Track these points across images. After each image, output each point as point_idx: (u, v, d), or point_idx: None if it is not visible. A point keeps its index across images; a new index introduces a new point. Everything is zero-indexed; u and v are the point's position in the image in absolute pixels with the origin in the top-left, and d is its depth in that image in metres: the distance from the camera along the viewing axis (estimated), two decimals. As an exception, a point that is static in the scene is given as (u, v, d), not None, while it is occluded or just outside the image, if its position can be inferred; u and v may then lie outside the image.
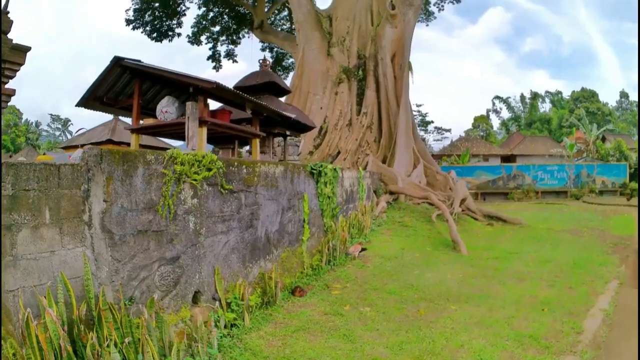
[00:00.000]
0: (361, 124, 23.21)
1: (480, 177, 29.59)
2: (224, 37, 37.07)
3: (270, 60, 16.60)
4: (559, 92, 73.42)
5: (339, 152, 23.11)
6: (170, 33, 33.06)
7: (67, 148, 24.13)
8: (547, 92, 71.38)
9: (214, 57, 37.65)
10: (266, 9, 32.18)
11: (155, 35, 32.35)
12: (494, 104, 71.99)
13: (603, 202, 25.16)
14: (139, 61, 8.24)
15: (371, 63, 23.80)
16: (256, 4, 31.15)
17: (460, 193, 16.96)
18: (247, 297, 6.44)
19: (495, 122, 71.84)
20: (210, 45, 37.11)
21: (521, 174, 29.56)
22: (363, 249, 11.46)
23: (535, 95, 69.60)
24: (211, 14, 35.51)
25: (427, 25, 35.45)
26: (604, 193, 29.92)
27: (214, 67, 38.10)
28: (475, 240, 13.90)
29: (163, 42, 33.25)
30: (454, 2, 33.27)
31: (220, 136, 13.16)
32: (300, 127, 16.61)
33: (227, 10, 35.08)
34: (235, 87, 16.63)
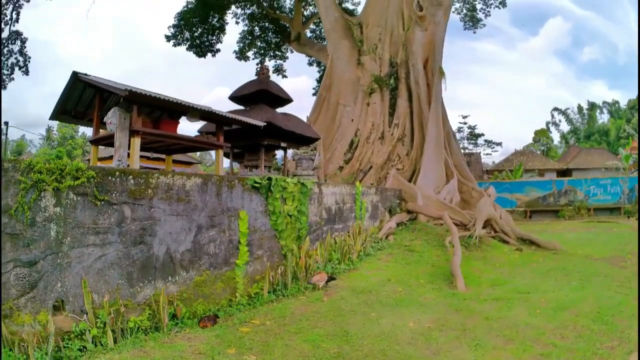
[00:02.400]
0: (392, 136, 21.30)
1: (530, 194, 26.50)
2: (271, 52, 36.70)
3: (270, 69, 15.32)
4: (616, 102, 67.01)
5: (371, 167, 21.34)
6: (211, 48, 32.91)
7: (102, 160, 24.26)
8: (604, 102, 65.32)
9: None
10: (305, 21, 31.22)
11: (196, 50, 32.27)
12: (552, 116, 66.88)
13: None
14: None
15: (403, 70, 21.97)
16: (293, 16, 30.28)
17: (484, 212, 14.63)
18: (127, 318, 6.02)
19: (556, 135, 66.82)
20: (257, 60, 36.97)
21: (573, 189, 26.07)
22: (331, 279, 9.71)
23: (592, 106, 63.93)
24: (257, 29, 35.27)
25: (475, 32, 33.28)
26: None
27: (262, 83, 37.53)
28: (489, 271, 11.61)
29: (207, 57, 33.23)
30: (500, 6, 30.90)
31: (176, 148, 12.52)
32: (298, 139, 15.17)
33: (268, 25, 34.60)
34: (230, 97, 15.62)
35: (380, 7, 23.25)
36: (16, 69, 24.43)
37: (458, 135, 34.33)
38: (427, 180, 18.26)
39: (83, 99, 10.67)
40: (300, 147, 15.95)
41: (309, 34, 34.42)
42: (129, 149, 9.59)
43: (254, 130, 13.67)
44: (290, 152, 17.87)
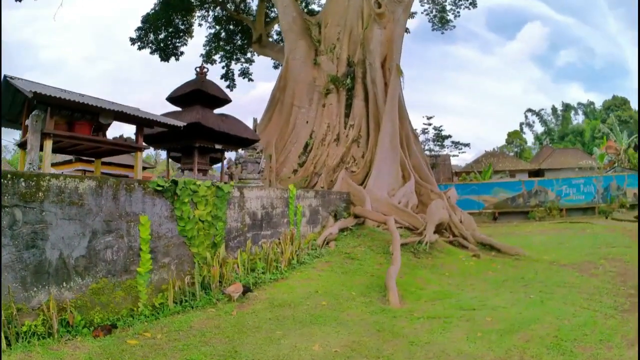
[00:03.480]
0: (347, 138, 20.60)
1: (498, 195, 25.88)
2: (237, 55, 35.95)
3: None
4: (592, 103, 67.52)
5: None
6: (175, 52, 32.07)
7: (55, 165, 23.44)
8: (579, 103, 65.52)
9: (227, 76, 36.47)
10: (268, 22, 30.54)
11: (160, 54, 31.39)
12: (526, 117, 66.76)
13: (634, 218, 20.96)
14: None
15: (360, 70, 21.25)
16: (254, 18, 29.59)
17: (436, 216, 13.96)
18: (21, 322, 6.00)
19: (530, 137, 66.69)
20: (223, 64, 36.17)
21: (544, 189, 25.46)
22: (247, 290, 8.91)
23: (567, 107, 63.99)
24: (222, 33, 34.51)
25: (443, 33, 32.74)
26: (637, 207, 25.09)
27: (228, 86, 36.82)
28: (435, 281, 10.81)
29: (170, 61, 32.35)
30: (470, 7, 30.38)
31: (101, 151, 11.87)
32: (234, 140, 14.40)
33: (233, 28, 33.86)
34: (167, 98, 14.83)
35: (341, 6, 22.52)
36: None
37: (423, 137, 33.92)
38: (380, 183, 17.52)
39: (15, 102, 10.34)
40: (237, 149, 15.17)
41: (275, 37, 33.79)
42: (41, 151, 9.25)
43: (186, 132, 12.97)
44: (233, 154, 17.17)
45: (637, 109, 58.67)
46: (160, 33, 31.24)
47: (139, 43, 30.57)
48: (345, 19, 22.22)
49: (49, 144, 9.46)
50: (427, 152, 33.70)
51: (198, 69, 14.75)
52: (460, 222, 16.74)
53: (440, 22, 32.02)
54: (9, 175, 6.08)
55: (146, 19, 30.03)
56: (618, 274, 10.50)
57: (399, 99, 20.35)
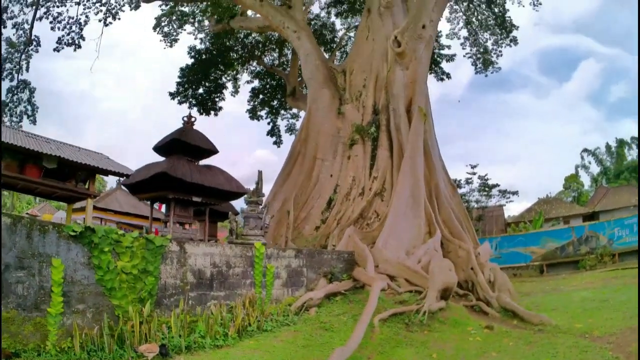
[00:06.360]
0: (370, 191, 18.86)
1: (546, 245, 22.57)
2: (282, 110, 35.63)
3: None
4: None
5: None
6: (214, 107, 32.14)
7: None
8: (632, 137, 58.35)
9: (273, 132, 36.10)
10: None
11: (199, 109, 31.44)
12: (582, 158, 60.41)
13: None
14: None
15: (384, 116, 19.74)
16: (287, 70, 29.19)
17: (438, 280, 11.74)
18: None
19: (587, 179, 60.38)
20: (269, 119, 35.91)
21: (594, 234, 21.67)
22: (163, 352, 7.79)
23: (620, 143, 57.25)
24: (266, 87, 34.48)
25: (487, 76, 31.04)
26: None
27: (275, 143, 36.42)
28: None
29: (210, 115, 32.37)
30: (511, 45, 28.58)
31: (58, 195, 13.08)
32: (215, 193, 13.21)
33: (273, 82, 33.73)
34: (153, 148, 14.08)
35: (366, 51, 21.43)
36: (24, 117, 24.57)
37: (467, 188, 31.24)
38: (395, 240, 15.44)
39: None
40: (220, 203, 13.97)
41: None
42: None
43: (158, 183, 12.09)
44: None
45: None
46: (198, 88, 31.42)
47: (178, 97, 30.83)
48: (370, 64, 21.03)
49: (-4, 184, 10.57)
50: (475, 204, 31.24)
51: (185, 118, 13.96)
52: (490, 282, 14.28)
53: (484, 64, 30.44)
54: None
55: (183, 73, 30.30)
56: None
57: (427, 146, 18.47)
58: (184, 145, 13.01)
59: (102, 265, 8.07)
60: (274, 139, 36.35)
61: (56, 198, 12.95)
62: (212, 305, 9.48)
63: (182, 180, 11.82)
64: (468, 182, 30.88)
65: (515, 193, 31.23)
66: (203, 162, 14.19)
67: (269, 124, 36.04)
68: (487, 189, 30.31)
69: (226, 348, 8.75)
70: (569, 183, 58.06)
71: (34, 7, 22.53)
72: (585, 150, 59.30)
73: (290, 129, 36.38)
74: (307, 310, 11.21)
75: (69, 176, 12.12)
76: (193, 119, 13.96)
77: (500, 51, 29.69)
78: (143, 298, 8.50)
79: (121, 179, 16.12)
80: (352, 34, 28.11)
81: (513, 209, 48.95)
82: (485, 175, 30.99)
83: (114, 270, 8.18)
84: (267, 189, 21.34)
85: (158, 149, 13.67)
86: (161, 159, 13.75)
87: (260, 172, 16.51)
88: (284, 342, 9.43)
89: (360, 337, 8.46)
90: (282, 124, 36.94)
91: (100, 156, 13.40)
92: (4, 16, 22.26)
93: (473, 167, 31.03)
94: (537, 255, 22.46)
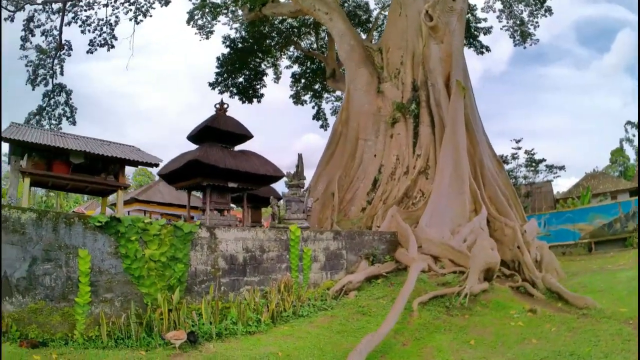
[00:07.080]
0: (414, 170, 18.32)
1: (594, 222, 21.09)
2: (325, 94, 35.36)
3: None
4: None
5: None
6: (256, 94, 32.23)
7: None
8: None
9: (318, 116, 35.90)
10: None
11: (240, 97, 31.60)
12: (626, 130, 56.15)
13: None
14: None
15: (423, 92, 19.10)
16: (325, 53, 28.74)
17: (480, 261, 11.18)
18: None
19: (632, 153, 56.24)
20: (313, 103, 35.75)
21: None
22: (192, 338, 7.76)
23: None
24: (305, 72, 34.25)
25: (525, 48, 29.77)
26: None
27: (321, 126, 36.30)
28: (449, 354, 8.17)
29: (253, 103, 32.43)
30: (546, 15, 27.38)
31: (91, 189, 13.75)
32: (250, 178, 13.12)
33: (313, 66, 33.37)
34: (187, 137, 14.15)
35: (400, 27, 20.75)
36: (64, 119, 25.53)
37: (514, 163, 29.99)
38: (438, 219, 14.94)
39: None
40: (258, 187, 13.89)
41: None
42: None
43: (191, 171, 12.15)
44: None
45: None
46: (238, 76, 31.49)
47: (218, 87, 30.96)
48: (406, 40, 20.35)
49: (27, 181, 11.04)
50: (522, 180, 30.02)
51: (218, 105, 13.91)
52: (536, 261, 13.56)
53: (522, 37, 29.25)
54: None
55: (221, 63, 30.40)
56: None
57: (468, 121, 17.68)
58: (216, 132, 13.00)
59: (129, 254, 8.18)
60: (320, 122, 36.27)
61: (89, 192, 13.29)
62: (245, 291, 9.47)
63: (215, 167, 11.80)
64: (514, 157, 29.76)
65: (562, 168, 29.89)
66: (239, 147, 14.18)
67: (313, 107, 36.06)
68: (533, 164, 29.01)
69: (258, 334, 8.72)
70: (615, 157, 54.83)
71: (60, 14, 23.12)
72: (628, 122, 55.68)
73: (335, 112, 36.01)
74: (346, 294, 11.02)
75: (99, 170, 12.47)
76: (225, 105, 13.91)
77: (536, 22, 28.55)
78: (172, 285, 8.57)
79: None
80: (386, 13, 27.22)
81: (561, 184, 46.73)
82: (532, 150, 29.78)
83: (141, 258, 8.27)
84: (312, 172, 21.23)
85: (192, 137, 13.75)
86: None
87: (300, 155, 16.33)
88: (318, 327, 9.29)
89: (393, 322, 8.17)
90: (326, 107, 36.74)
91: (131, 148, 13.62)
92: (31, 25, 23.06)
93: (517, 141, 29.86)
94: (585, 232, 21.19)
